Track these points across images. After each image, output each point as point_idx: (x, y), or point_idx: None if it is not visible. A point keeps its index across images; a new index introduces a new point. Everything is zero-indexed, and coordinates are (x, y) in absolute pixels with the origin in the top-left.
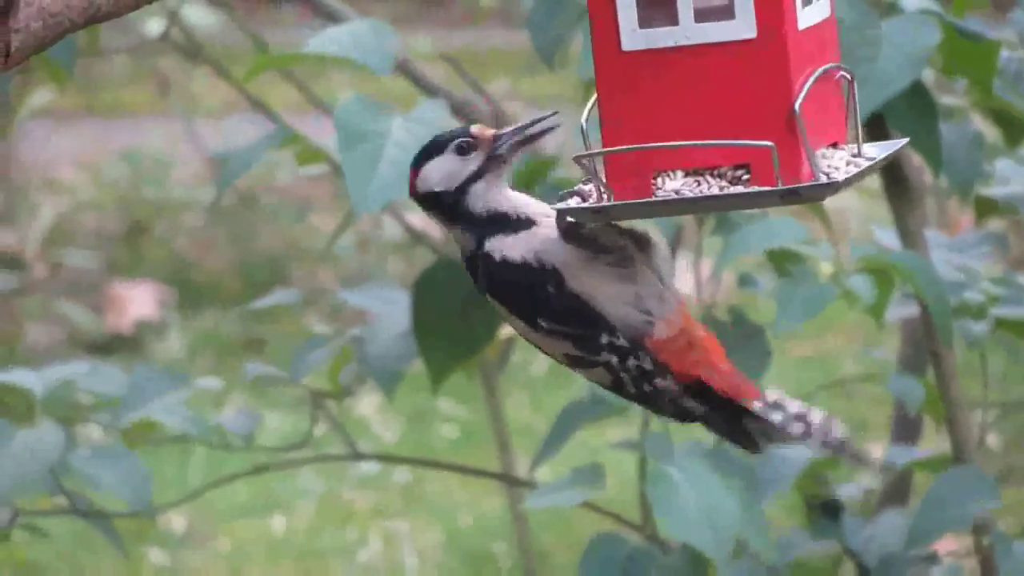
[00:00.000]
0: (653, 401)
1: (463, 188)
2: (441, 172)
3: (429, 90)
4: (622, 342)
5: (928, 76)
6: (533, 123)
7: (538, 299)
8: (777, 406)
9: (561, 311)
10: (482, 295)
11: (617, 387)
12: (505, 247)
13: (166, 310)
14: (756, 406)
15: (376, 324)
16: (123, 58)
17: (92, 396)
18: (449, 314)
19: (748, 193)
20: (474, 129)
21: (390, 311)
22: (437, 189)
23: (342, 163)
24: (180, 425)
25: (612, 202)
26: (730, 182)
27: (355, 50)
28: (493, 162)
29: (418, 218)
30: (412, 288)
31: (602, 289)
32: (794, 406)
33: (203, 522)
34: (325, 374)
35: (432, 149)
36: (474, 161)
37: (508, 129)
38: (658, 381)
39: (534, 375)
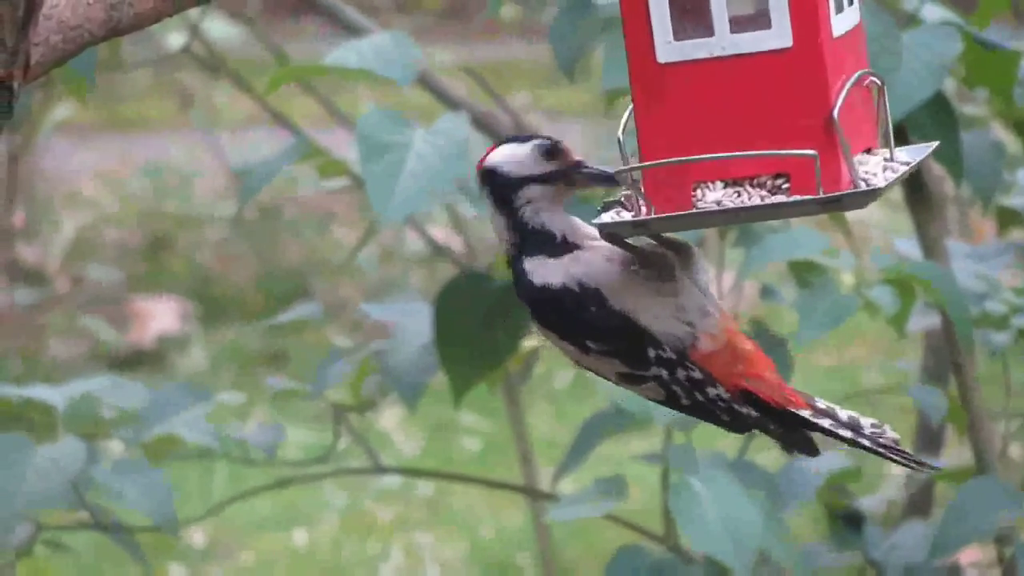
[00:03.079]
0: (709, 411)
1: (523, 182)
2: (513, 156)
3: (450, 103)
4: (669, 354)
5: (949, 86)
6: (606, 171)
7: (583, 321)
8: (826, 413)
9: (606, 330)
10: (522, 306)
11: (671, 400)
12: (546, 272)
13: (188, 324)
14: (806, 413)
15: (398, 337)
16: (144, 72)
17: (114, 411)
18: (471, 326)
19: (789, 203)
20: (564, 144)
21: (412, 324)
22: (498, 167)
23: (364, 175)
24: (202, 439)
25: (653, 215)
26: (770, 191)
27: (376, 62)
28: (563, 178)
29: (440, 231)
30: (434, 301)
31: (644, 304)
32: (844, 414)
33: (226, 536)
34: (347, 387)
35: (518, 137)
36: (548, 166)
37: (591, 163)
38: (709, 390)
39: (557, 387)
